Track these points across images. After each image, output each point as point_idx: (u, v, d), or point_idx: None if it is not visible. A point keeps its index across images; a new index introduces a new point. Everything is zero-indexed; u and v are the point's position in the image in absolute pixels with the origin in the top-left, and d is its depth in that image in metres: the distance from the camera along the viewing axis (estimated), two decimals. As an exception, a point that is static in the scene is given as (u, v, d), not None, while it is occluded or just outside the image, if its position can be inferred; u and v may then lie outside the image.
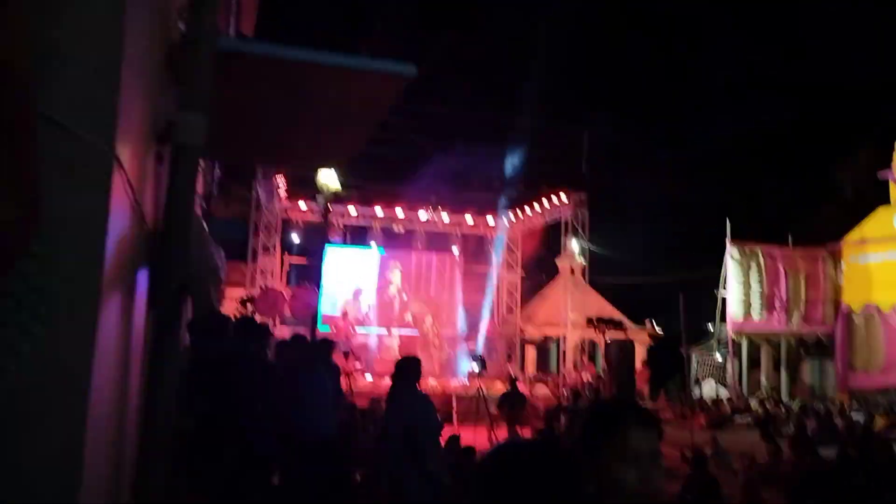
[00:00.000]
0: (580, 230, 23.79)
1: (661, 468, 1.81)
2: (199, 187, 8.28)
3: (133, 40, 2.41)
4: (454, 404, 17.31)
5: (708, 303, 25.72)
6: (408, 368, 6.39)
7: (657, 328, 27.28)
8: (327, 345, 8.59)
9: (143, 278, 3.34)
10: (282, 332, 20.16)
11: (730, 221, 23.19)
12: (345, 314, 20.96)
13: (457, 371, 20.45)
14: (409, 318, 23.16)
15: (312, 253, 20.75)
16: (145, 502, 3.30)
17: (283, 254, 22.88)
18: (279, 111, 4.60)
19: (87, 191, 2.12)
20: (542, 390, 20.21)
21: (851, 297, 23.55)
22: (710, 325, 28.59)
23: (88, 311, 2.16)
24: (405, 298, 23.68)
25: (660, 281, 27.11)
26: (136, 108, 2.64)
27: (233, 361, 6.07)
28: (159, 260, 3.39)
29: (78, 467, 2.10)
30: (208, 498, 4.79)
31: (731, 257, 23.34)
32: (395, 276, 23.80)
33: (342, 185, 17.57)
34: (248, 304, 17.63)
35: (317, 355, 7.98)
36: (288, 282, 22.89)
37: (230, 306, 20.27)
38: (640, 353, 25.30)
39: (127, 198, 2.54)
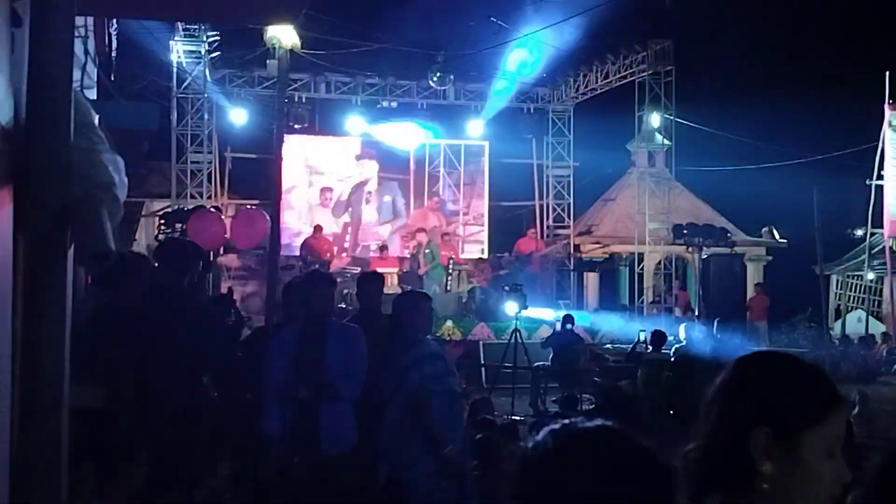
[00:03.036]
0: (663, 97, 23.45)
1: None
2: (86, 56, 8.22)
3: None
4: (481, 357, 17.53)
5: (855, 198, 25.56)
6: (410, 308, 6.37)
7: (779, 238, 27.25)
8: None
9: (4, 196, 3.35)
10: (229, 260, 20.44)
11: (890, 76, 22.80)
12: (317, 229, 21.10)
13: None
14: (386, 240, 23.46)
15: (264, 144, 20.65)
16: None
17: (220, 148, 22.84)
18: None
19: None
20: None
21: None
22: (858, 231, 28.50)
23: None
24: (386, 199, 23.96)
25: (781, 167, 26.95)
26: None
27: (158, 304, 6.12)
28: (26, 169, 3.40)
29: None
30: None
31: (892, 127, 23.05)
32: (368, 170, 23.98)
33: (303, 40, 17.39)
34: (178, 224, 17.71)
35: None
36: (230, 187, 22.95)
37: (149, 227, 20.48)
38: (753, 275, 25.38)
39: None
